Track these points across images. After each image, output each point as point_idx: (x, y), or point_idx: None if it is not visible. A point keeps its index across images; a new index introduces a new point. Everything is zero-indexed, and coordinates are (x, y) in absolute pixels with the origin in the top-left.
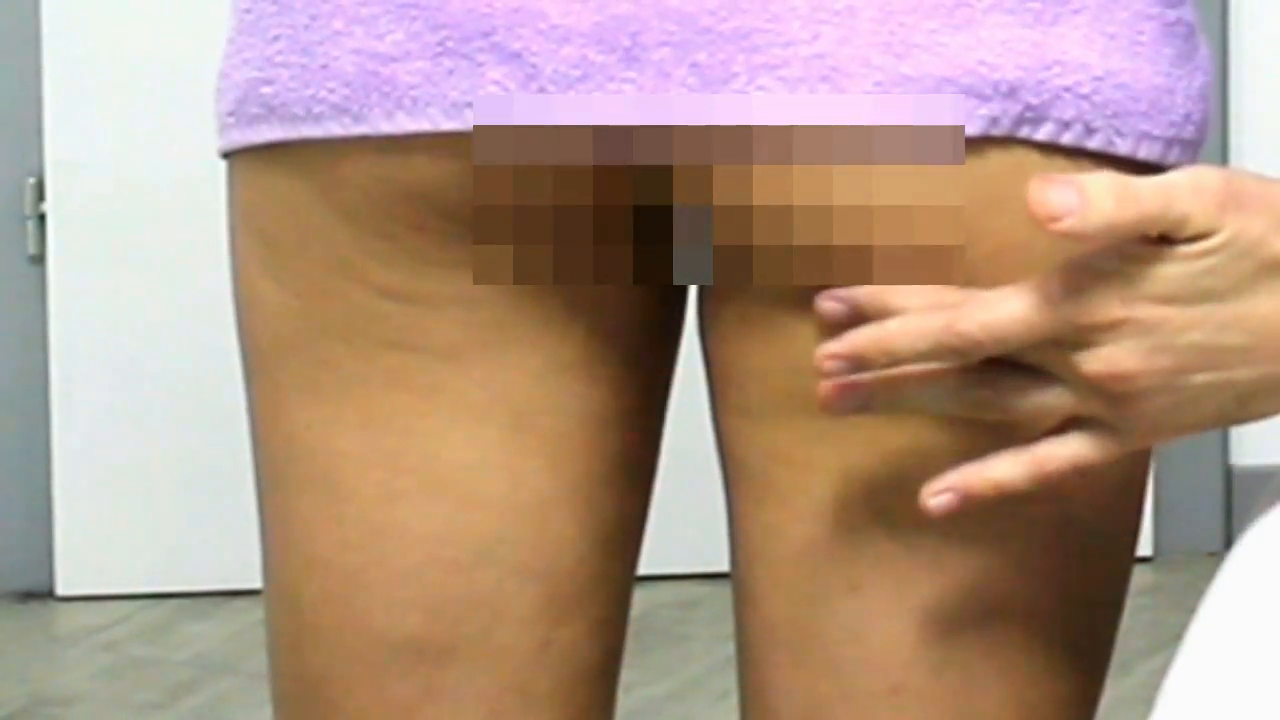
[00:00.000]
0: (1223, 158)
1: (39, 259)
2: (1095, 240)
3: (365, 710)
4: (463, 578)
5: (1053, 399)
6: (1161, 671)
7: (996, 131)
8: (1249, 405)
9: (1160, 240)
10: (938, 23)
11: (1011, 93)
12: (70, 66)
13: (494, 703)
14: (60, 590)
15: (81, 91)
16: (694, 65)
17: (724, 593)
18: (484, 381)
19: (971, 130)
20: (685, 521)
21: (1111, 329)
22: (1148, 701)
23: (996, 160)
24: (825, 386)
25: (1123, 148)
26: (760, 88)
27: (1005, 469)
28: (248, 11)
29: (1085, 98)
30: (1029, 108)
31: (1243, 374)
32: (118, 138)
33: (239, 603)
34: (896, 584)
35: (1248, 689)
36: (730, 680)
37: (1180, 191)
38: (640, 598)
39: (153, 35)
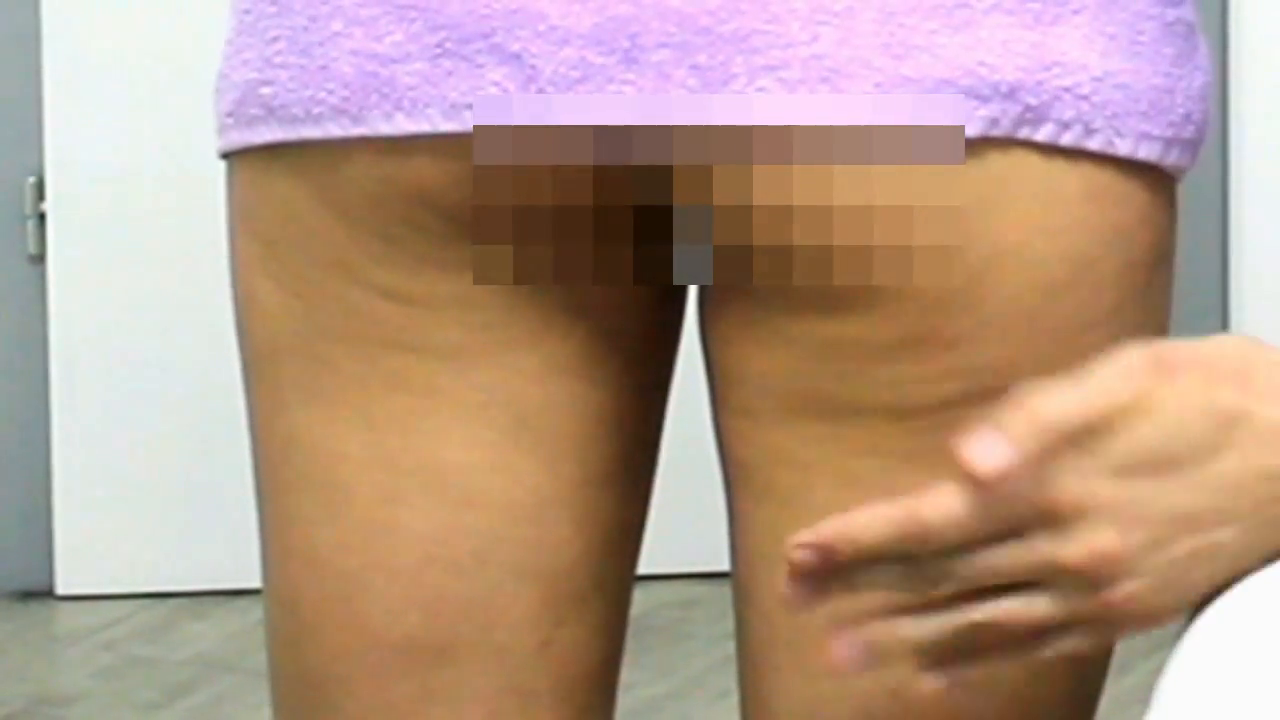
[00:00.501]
0: (1223, 158)
1: (39, 259)
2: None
3: (365, 710)
4: (462, 578)
5: (1042, 609)
6: (1161, 671)
7: (996, 132)
8: (1242, 566)
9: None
10: (937, 23)
11: (1011, 93)
12: (70, 66)
13: (493, 703)
14: (60, 590)
15: (81, 91)
16: (694, 67)
17: (724, 593)
18: (483, 382)
19: (971, 131)
20: (685, 521)
21: (1076, 510)
22: (1147, 702)
23: (996, 161)
24: (791, 586)
25: (1122, 148)
26: (760, 89)
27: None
28: (247, 13)
29: (1085, 98)
30: (1029, 109)
31: (1225, 535)
32: (118, 138)
33: (239, 603)
34: None
35: (1244, 689)
36: (730, 680)
37: (1109, 385)
38: (640, 598)
39: (153, 35)
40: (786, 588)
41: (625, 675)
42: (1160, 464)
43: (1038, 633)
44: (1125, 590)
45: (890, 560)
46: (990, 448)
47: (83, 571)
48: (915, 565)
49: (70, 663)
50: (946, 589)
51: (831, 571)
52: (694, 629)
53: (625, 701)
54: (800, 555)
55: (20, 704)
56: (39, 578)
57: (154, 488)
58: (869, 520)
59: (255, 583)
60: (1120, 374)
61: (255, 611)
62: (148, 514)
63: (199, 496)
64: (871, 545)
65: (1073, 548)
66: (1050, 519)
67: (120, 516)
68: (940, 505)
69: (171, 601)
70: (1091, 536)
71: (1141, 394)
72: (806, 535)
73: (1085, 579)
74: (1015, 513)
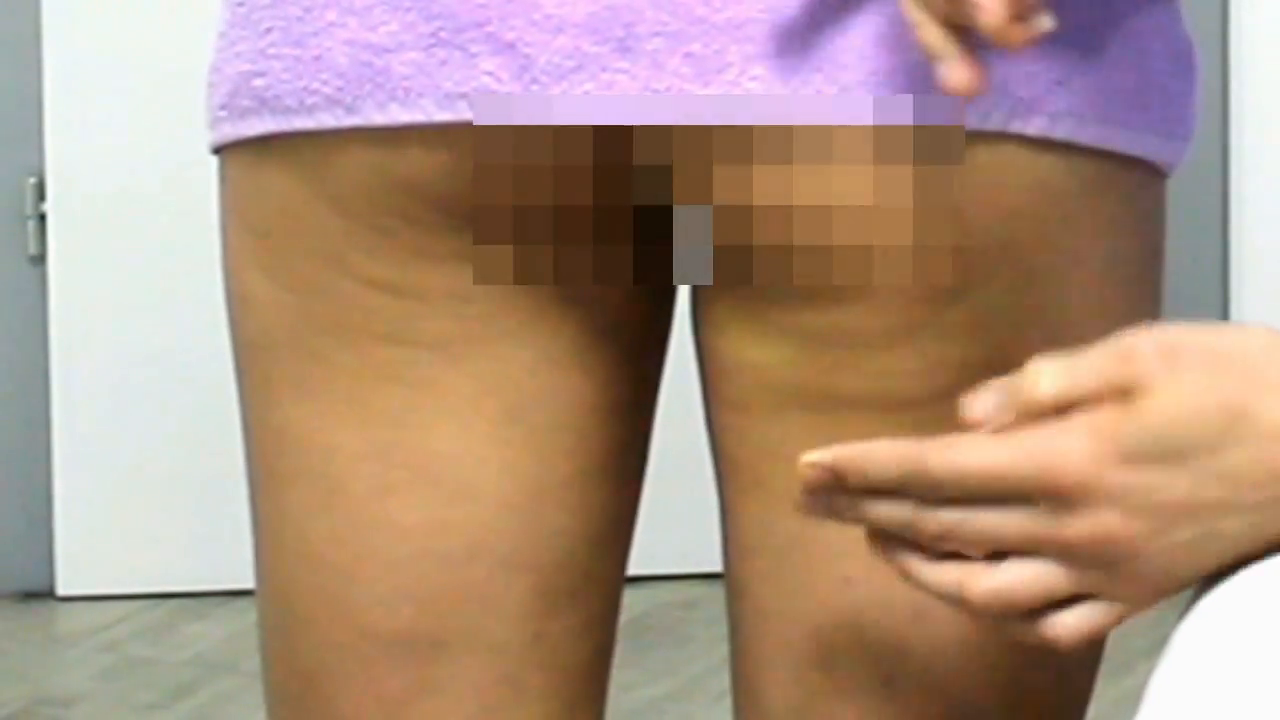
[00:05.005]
0: (1223, 158)
1: (39, 259)
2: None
3: (358, 704)
4: (454, 571)
5: (1049, 578)
6: None
7: (989, 126)
8: (1244, 550)
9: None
10: None
11: (1003, 86)
12: (70, 66)
13: (486, 696)
14: (60, 590)
15: (81, 91)
16: (688, 55)
17: (724, 593)
18: (476, 375)
19: (966, 126)
20: (685, 521)
21: (1081, 490)
22: None
23: (988, 155)
24: (803, 497)
25: (1113, 142)
26: (753, 77)
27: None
28: (240, 5)
29: (1076, 92)
30: (1020, 101)
31: (1229, 525)
32: (118, 138)
33: (239, 603)
34: (887, 576)
35: (1234, 689)
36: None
37: (1105, 365)
38: (640, 598)
39: (153, 35)
40: (799, 496)
41: (625, 675)
42: (1168, 454)
43: (1041, 606)
44: (1132, 571)
45: (898, 499)
46: (986, 404)
47: (83, 572)
48: (920, 512)
49: (70, 663)
50: (946, 546)
51: (842, 493)
52: (694, 629)
53: (625, 702)
54: (811, 473)
55: (20, 704)
56: (39, 578)
57: (154, 488)
58: (879, 454)
59: None
60: (1121, 356)
61: (255, 611)
62: (148, 514)
63: (199, 496)
64: (877, 480)
65: (1077, 525)
66: (1054, 494)
67: (120, 516)
68: (946, 458)
69: (171, 602)
70: (1096, 518)
71: (1144, 377)
72: (819, 454)
73: (1086, 557)
74: (1021, 482)
